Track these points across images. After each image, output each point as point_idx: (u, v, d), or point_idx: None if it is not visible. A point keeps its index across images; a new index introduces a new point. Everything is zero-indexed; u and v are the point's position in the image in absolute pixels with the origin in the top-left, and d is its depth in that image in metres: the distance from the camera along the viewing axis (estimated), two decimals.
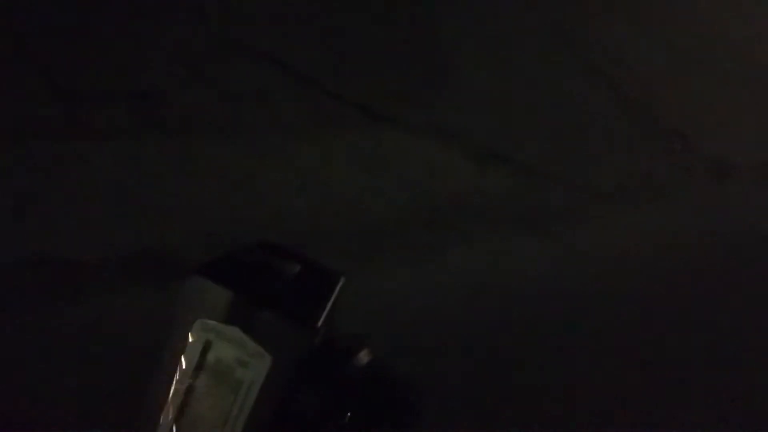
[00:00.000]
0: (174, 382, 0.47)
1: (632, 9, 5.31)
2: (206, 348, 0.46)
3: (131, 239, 2.41)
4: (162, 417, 0.47)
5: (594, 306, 3.05)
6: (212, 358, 0.46)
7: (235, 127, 3.07)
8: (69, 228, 2.24)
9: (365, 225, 3.04)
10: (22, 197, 2.32)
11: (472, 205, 3.28)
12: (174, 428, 0.47)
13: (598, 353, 2.85)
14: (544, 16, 4.71)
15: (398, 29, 4.06)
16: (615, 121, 4.32)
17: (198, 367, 0.46)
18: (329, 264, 0.56)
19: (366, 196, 3.12)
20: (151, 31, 3.18)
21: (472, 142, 3.58)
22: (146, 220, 2.51)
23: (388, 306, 2.73)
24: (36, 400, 1.82)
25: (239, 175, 2.91)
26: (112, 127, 2.63)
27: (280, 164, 3.08)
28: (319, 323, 0.47)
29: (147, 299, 2.22)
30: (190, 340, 0.46)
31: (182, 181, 2.72)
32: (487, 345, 2.68)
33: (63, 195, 2.31)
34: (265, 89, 3.32)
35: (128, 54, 2.96)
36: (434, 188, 3.32)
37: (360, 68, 3.67)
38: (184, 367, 0.46)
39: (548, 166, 3.74)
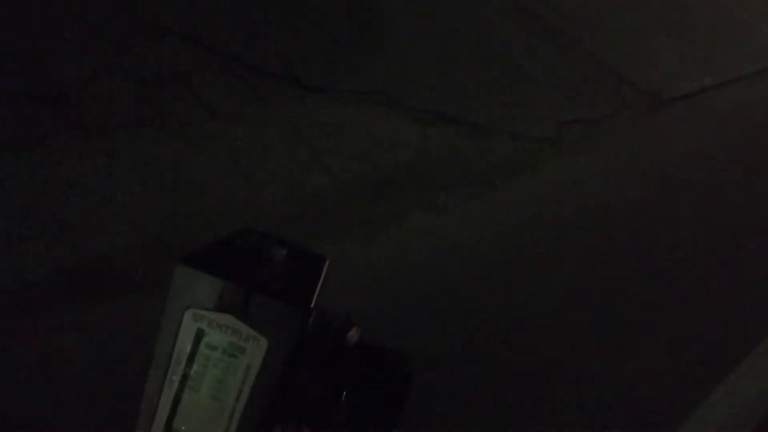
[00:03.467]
0: (168, 372, 0.46)
1: None
2: (199, 337, 0.46)
3: (61, 254, 2.21)
4: (159, 408, 0.47)
5: (544, 255, 3.06)
6: (205, 347, 0.46)
7: (159, 117, 2.85)
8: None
9: (314, 204, 2.91)
10: None
11: (420, 169, 3.20)
12: (171, 419, 0.47)
13: (549, 307, 2.86)
14: None
15: (326, 1, 3.86)
16: (550, 64, 4.29)
17: (191, 356, 0.46)
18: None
19: (309, 172, 2.98)
20: (59, 21, 2.88)
21: (413, 105, 3.47)
22: (73, 229, 2.30)
23: (338, 281, 2.64)
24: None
25: (169, 169, 2.71)
26: (26, 133, 2.37)
27: (213, 151, 2.89)
28: (312, 304, 0.47)
29: (85, 317, 2.05)
30: (182, 330, 0.46)
31: (106, 182, 2.50)
32: (456, 303, 2.64)
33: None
34: (186, 72, 3.09)
35: (35, 50, 2.67)
36: (378, 157, 3.21)
37: (287, 42, 3.47)
38: (178, 357, 0.46)
39: (490, 121, 3.69)
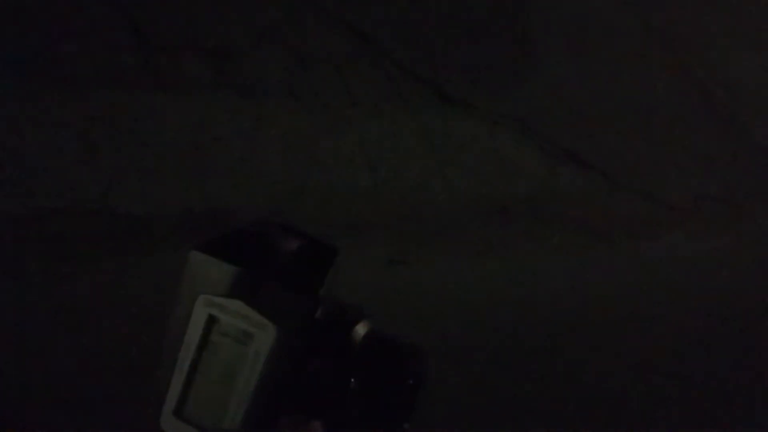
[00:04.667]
0: (179, 358, 0.47)
1: (731, 10, 4.95)
2: (210, 322, 0.46)
3: (193, 197, 2.37)
4: (169, 394, 0.47)
5: (655, 321, 2.89)
6: (216, 333, 0.46)
7: (306, 94, 2.98)
8: (134, 181, 2.21)
9: (426, 210, 2.93)
10: (90, 145, 2.29)
11: (540, 206, 3.13)
12: (182, 404, 0.47)
13: (649, 369, 2.70)
14: (637, 14, 4.43)
15: (485, 13, 3.87)
16: (701, 132, 4.06)
17: (202, 342, 0.46)
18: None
19: (431, 180, 3.00)
20: None
21: (548, 138, 3.40)
22: (211, 178, 2.46)
23: (438, 297, 2.64)
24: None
25: (305, 144, 2.83)
26: (187, 82, 2.57)
27: (347, 136, 2.98)
28: (320, 292, 0.47)
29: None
30: (194, 315, 0.46)
31: (249, 143, 2.66)
32: (533, 348, 2.56)
33: (131, 146, 2.28)
34: (340, 57, 3.21)
35: (210, 10, 2.88)
36: (502, 181, 3.18)
37: (439, 47, 3.52)
38: (188, 342, 0.46)
39: (624, 173, 3.54)
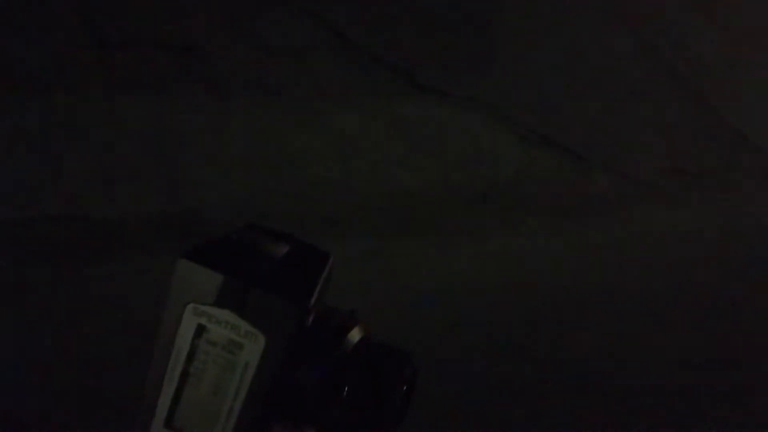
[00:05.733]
0: (168, 368, 0.46)
1: None
2: (199, 332, 0.46)
3: (160, 199, 2.31)
4: (159, 404, 0.47)
5: (622, 296, 2.94)
6: (206, 342, 0.46)
7: (275, 87, 2.92)
8: (100, 186, 2.13)
9: (401, 200, 2.91)
10: (51, 152, 2.20)
11: (515, 189, 3.14)
12: (171, 415, 0.47)
13: (620, 340, 2.75)
14: None
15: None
16: (667, 108, 4.12)
17: (191, 352, 0.46)
18: (315, 241, 0.55)
19: (405, 170, 2.98)
20: None
21: (520, 122, 3.41)
22: (176, 179, 2.39)
23: (415, 287, 2.64)
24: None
25: (276, 138, 2.78)
26: (148, 79, 2.48)
27: (318, 129, 2.94)
28: (311, 301, 0.46)
29: (164, 265, 2.12)
30: (183, 325, 0.46)
31: (217, 140, 2.59)
32: (511, 333, 2.58)
33: (94, 150, 2.20)
34: (306, 48, 3.15)
35: (169, 2, 2.79)
36: (476, 168, 3.17)
37: (407, 34, 3.48)
38: (178, 352, 0.46)
39: (594, 151, 3.58)
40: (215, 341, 0.46)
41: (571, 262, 3.03)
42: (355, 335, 0.51)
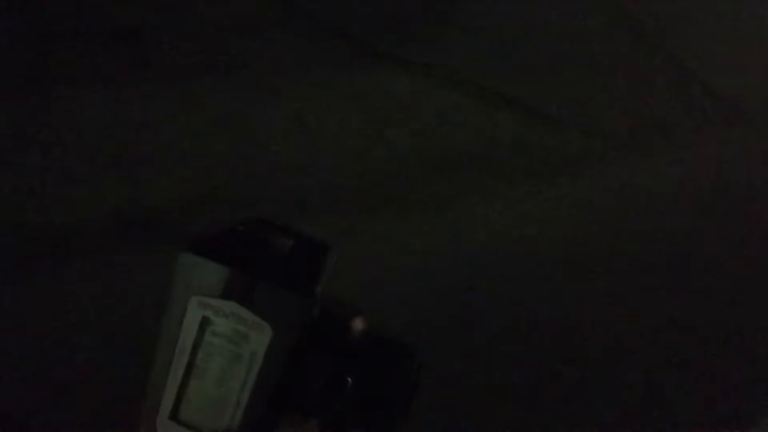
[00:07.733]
0: (173, 361, 0.46)
1: None
2: (204, 325, 0.46)
3: (122, 196, 2.21)
4: (164, 397, 0.47)
5: (597, 255, 2.96)
6: (211, 335, 0.46)
7: (229, 66, 2.81)
8: (53, 187, 2.02)
9: (370, 176, 2.86)
10: None
11: (484, 156, 3.10)
12: (177, 408, 0.47)
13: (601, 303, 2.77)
14: None
15: None
16: (633, 63, 4.11)
17: (196, 345, 0.46)
18: (320, 229, 0.53)
19: (372, 145, 2.92)
20: None
21: (485, 86, 3.35)
22: (134, 173, 2.29)
23: (390, 263, 2.60)
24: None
25: (236, 120, 2.68)
26: (95, 70, 2.36)
27: (278, 107, 2.85)
28: (316, 291, 0.47)
29: (134, 263, 2.04)
30: (187, 318, 0.46)
31: (175, 128, 2.49)
32: (497, 300, 2.58)
33: (43, 150, 2.08)
34: (260, 23, 3.04)
35: None
36: (443, 136, 3.12)
37: (363, 2, 3.38)
38: (182, 345, 0.46)
39: (561, 111, 3.55)
40: (220, 333, 0.46)
41: (549, 222, 3.03)
42: (359, 328, 0.51)
